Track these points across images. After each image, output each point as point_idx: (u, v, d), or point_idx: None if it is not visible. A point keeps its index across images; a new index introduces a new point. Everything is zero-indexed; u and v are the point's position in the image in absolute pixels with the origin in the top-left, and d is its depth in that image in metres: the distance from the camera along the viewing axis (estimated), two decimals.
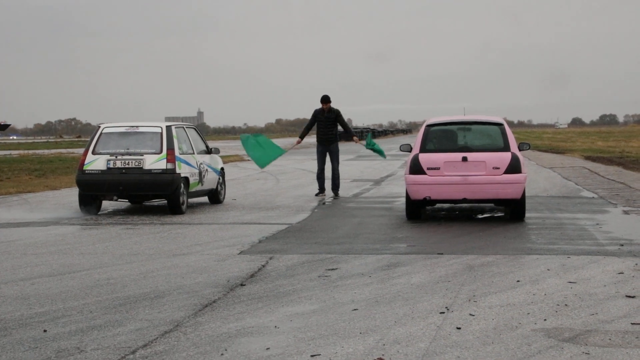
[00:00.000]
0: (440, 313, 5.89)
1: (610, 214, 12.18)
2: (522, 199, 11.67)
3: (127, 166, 13.21)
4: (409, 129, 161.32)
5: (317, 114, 16.06)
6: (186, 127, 14.55)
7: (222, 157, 17.71)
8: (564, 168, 24.29)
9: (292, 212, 13.33)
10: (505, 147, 11.75)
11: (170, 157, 13.23)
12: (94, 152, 13.39)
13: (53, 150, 51.30)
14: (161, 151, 13.26)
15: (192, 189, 13.84)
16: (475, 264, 7.97)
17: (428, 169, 11.70)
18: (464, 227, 11.05)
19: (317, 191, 16.24)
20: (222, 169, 15.44)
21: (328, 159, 16.12)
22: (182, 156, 13.50)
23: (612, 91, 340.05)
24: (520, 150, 12.02)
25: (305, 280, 7.26)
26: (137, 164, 13.21)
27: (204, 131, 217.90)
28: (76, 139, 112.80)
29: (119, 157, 13.24)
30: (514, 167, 11.54)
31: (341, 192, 16.79)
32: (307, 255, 8.70)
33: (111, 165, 13.24)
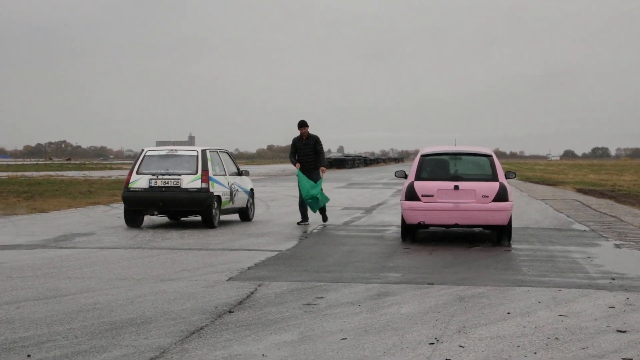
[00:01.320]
0: (430, 344, 5.86)
1: (601, 247, 12.19)
2: (509, 225, 12.96)
3: (166, 185, 15.33)
4: (400, 158, 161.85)
5: (295, 141, 15.96)
6: (219, 151, 16.48)
7: None
8: (556, 200, 24.36)
9: (282, 239, 13.32)
10: (494, 177, 13.04)
11: (205, 177, 15.27)
12: (138, 172, 15.55)
13: (42, 173, 51.16)
14: (197, 172, 15.31)
15: (224, 207, 15.81)
16: (466, 295, 7.95)
17: (422, 195, 12.89)
18: (455, 257, 11.05)
19: (300, 220, 16.10)
20: (252, 189, 17.14)
21: None
22: (215, 177, 15.51)
23: (604, 124, 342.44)
24: (506, 178, 13.27)
25: (294, 308, 7.23)
26: (175, 183, 15.32)
27: None
28: (66, 162, 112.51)
29: (160, 177, 15.37)
30: (501, 195, 12.81)
31: (331, 220, 16.80)
32: (297, 282, 8.67)
33: (153, 184, 15.35)
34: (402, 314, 7.03)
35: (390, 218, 17.60)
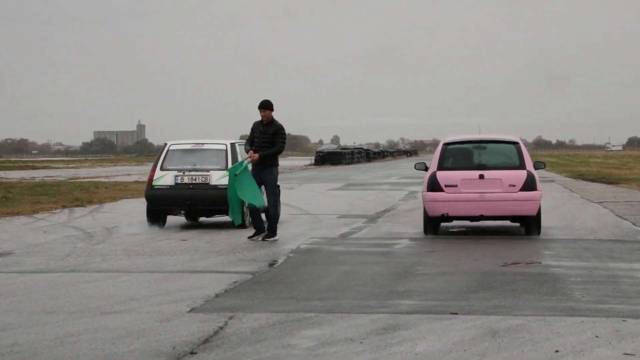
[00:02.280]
0: None
1: None
2: (538, 216, 15.81)
3: (194, 182, 17.83)
4: (413, 150, 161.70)
5: (254, 126, 15.95)
6: (240, 145, 18.61)
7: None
8: (618, 203, 24.45)
9: (261, 256, 13.38)
10: (521, 165, 15.79)
11: None
12: (162, 168, 17.96)
13: None
14: (226, 167, 17.64)
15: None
16: (501, 328, 7.96)
17: (446, 186, 15.61)
18: (485, 277, 11.07)
19: (253, 233, 15.83)
20: (278, 186, 17.35)
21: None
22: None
23: None
24: (535, 169, 15.98)
25: (276, 348, 7.22)
26: (203, 179, 17.83)
27: (146, 150, 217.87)
28: None
29: (187, 173, 17.86)
30: (529, 184, 15.57)
31: (325, 232, 16.90)
32: (280, 314, 8.68)
33: (179, 181, 17.82)
34: (417, 353, 7.03)
35: (401, 228, 17.71)
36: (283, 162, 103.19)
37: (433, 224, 15.96)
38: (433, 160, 15.92)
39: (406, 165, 75.41)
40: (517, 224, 17.28)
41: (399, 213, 21.82)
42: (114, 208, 24.55)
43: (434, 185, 15.65)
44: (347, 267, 12.16)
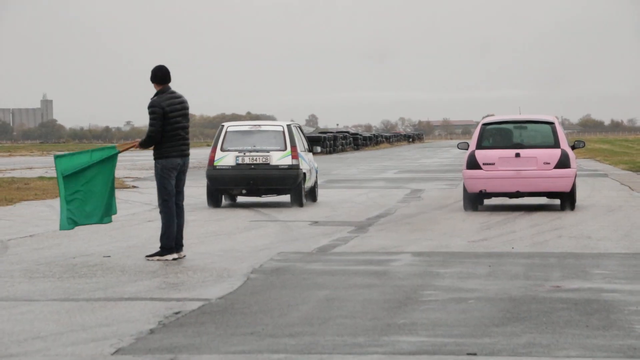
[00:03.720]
0: None
1: None
2: (572, 192, 22.74)
3: (255, 162, 24.83)
4: (417, 134, 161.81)
5: None
6: (294, 125, 26.70)
7: None
8: None
9: (212, 278, 13.37)
10: (556, 144, 22.82)
11: (294, 153, 25.05)
12: (222, 149, 25.00)
13: None
14: (285, 148, 25.06)
15: (305, 185, 25.41)
16: None
17: (484, 164, 22.54)
18: (514, 304, 11.07)
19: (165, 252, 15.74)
20: (317, 168, 27.50)
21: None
22: (301, 153, 25.54)
23: None
24: (574, 148, 23.41)
25: None
26: (264, 160, 24.87)
27: (54, 134, 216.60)
28: None
29: (247, 154, 24.90)
30: (563, 162, 22.54)
31: (296, 246, 17.02)
32: (237, 355, 8.67)
33: (240, 162, 24.83)
34: None
35: (401, 240, 17.73)
36: None
37: (472, 201, 22.89)
38: (472, 140, 23.04)
39: (407, 155, 75.38)
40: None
41: (398, 219, 21.87)
42: (9, 214, 24.35)
43: (472, 163, 22.66)
44: (328, 292, 12.15)
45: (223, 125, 25.73)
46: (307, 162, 25.78)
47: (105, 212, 15.78)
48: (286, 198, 26.07)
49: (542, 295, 11.80)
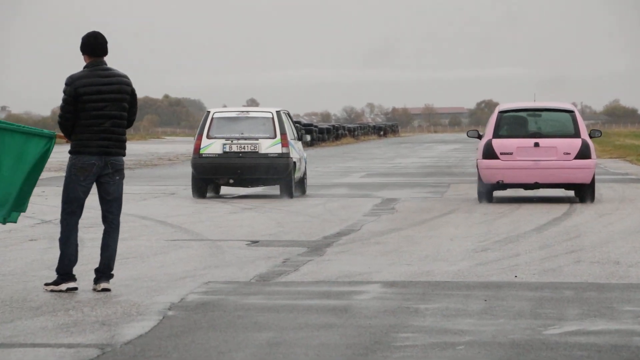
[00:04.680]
0: None
1: None
2: (592, 183, 26.73)
3: (243, 150, 29.04)
4: (391, 125, 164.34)
5: None
6: (283, 112, 31.03)
7: None
8: None
9: (116, 316, 13.20)
10: (576, 134, 26.76)
11: (284, 141, 29.20)
12: (208, 137, 29.17)
13: None
14: (275, 136, 29.29)
15: (294, 175, 29.98)
16: None
17: (501, 153, 26.19)
18: (516, 351, 11.06)
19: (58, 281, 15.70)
20: (306, 157, 31.90)
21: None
22: (291, 141, 29.82)
23: None
24: (591, 137, 27.03)
25: None
26: (253, 147, 29.08)
27: None
28: None
29: (235, 142, 29.13)
30: (584, 153, 26.30)
31: (232, 272, 17.15)
32: None
33: (227, 149, 29.06)
34: None
35: (368, 266, 17.64)
36: (159, 145, 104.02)
37: (488, 192, 26.67)
38: (488, 128, 26.82)
39: (377, 154, 76.74)
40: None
41: (365, 238, 21.88)
42: None
43: (489, 152, 26.47)
44: (272, 334, 12.04)
45: (209, 111, 30.42)
46: (297, 150, 30.52)
47: (15, 205, 15.42)
48: (275, 189, 30.78)
49: (555, 340, 11.71)
